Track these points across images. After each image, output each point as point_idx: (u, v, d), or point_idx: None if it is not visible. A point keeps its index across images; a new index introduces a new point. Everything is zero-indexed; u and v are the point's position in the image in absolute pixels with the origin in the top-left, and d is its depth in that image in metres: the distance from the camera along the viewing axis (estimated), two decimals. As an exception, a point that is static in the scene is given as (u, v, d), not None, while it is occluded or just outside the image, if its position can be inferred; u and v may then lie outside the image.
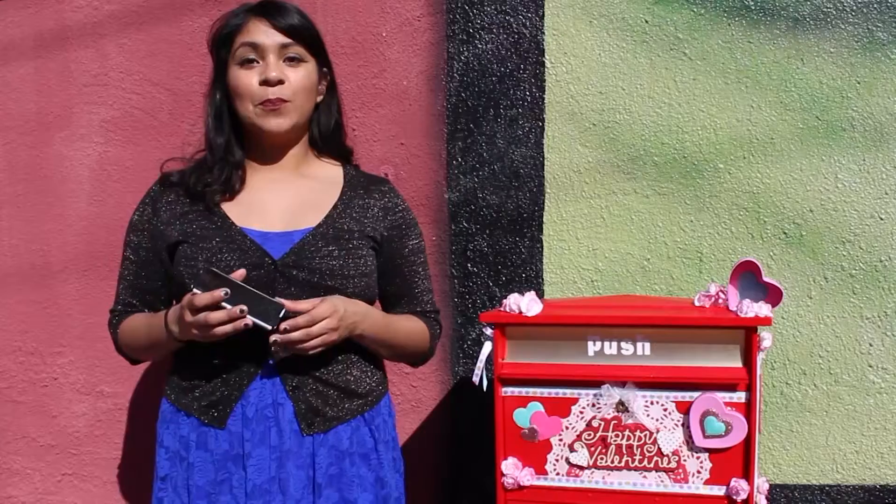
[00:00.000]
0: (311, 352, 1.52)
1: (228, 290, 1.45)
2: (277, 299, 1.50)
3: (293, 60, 1.61)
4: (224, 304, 1.46)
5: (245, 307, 1.45)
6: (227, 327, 1.46)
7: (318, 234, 1.62)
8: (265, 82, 1.58)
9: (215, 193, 1.63)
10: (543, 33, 2.22)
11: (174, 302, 1.70)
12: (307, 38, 1.63)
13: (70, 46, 2.34)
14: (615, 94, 2.21)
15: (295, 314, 1.49)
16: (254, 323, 1.46)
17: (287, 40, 1.60)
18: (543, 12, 2.21)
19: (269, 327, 1.47)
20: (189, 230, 1.62)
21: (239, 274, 1.49)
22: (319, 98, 1.70)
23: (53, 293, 2.41)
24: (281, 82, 1.59)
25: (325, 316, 1.50)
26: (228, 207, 1.64)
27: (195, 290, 1.47)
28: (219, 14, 2.23)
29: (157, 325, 1.60)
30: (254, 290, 1.47)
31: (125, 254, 1.71)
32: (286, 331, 1.48)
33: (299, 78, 1.62)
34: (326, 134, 1.72)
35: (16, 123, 2.38)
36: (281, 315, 1.47)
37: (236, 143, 1.66)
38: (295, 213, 1.65)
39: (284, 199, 1.66)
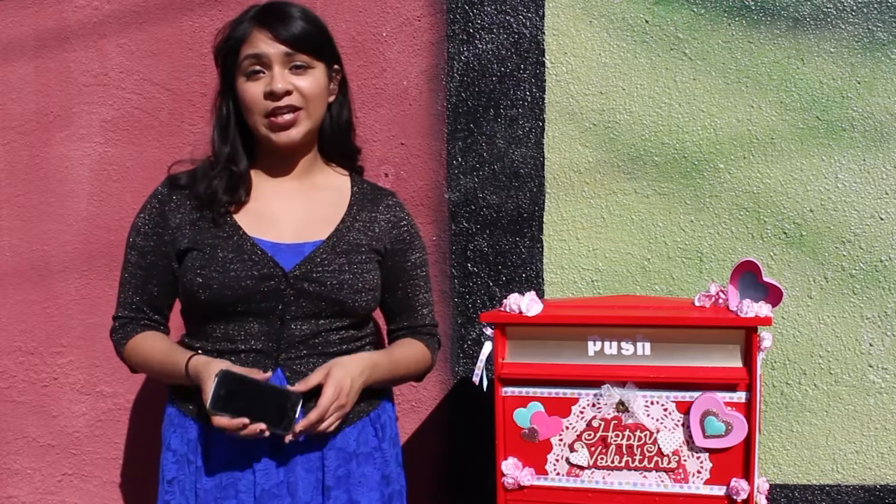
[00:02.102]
0: (328, 428, 1.55)
1: (247, 421, 1.46)
2: (290, 388, 1.51)
3: (299, 68, 1.59)
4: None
5: (263, 426, 1.46)
6: (247, 432, 1.48)
7: (329, 248, 1.62)
8: (270, 94, 1.57)
9: (221, 205, 1.61)
10: (543, 33, 2.22)
11: (181, 305, 1.71)
12: (311, 45, 1.60)
13: (70, 46, 2.34)
14: (615, 94, 2.21)
15: (299, 396, 1.51)
16: (271, 432, 1.48)
17: (290, 50, 1.58)
18: (543, 12, 2.21)
19: (286, 434, 1.49)
20: (199, 238, 1.60)
21: (262, 376, 1.51)
22: (332, 98, 1.69)
23: (53, 293, 2.41)
24: (288, 93, 1.58)
25: (333, 401, 1.52)
26: (239, 216, 1.63)
27: (212, 410, 1.46)
28: (219, 14, 2.26)
29: (176, 369, 1.58)
30: (271, 387, 1.50)
31: (129, 258, 1.67)
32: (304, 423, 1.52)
33: (307, 85, 1.60)
34: (337, 132, 1.71)
35: (16, 123, 2.38)
36: (299, 407, 1.49)
37: (243, 151, 1.65)
38: (305, 224, 1.64)
39: (294, 210, 1.66)
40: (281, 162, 1.67)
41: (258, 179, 1.68)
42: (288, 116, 1.59)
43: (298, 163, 1.68)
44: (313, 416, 1.50)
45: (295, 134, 1.61)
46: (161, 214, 1.64)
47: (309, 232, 1.64)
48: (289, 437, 1.50)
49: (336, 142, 1.72)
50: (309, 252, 1.61)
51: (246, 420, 1.45)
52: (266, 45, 1.57)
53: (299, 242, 1.62)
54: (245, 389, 1.47)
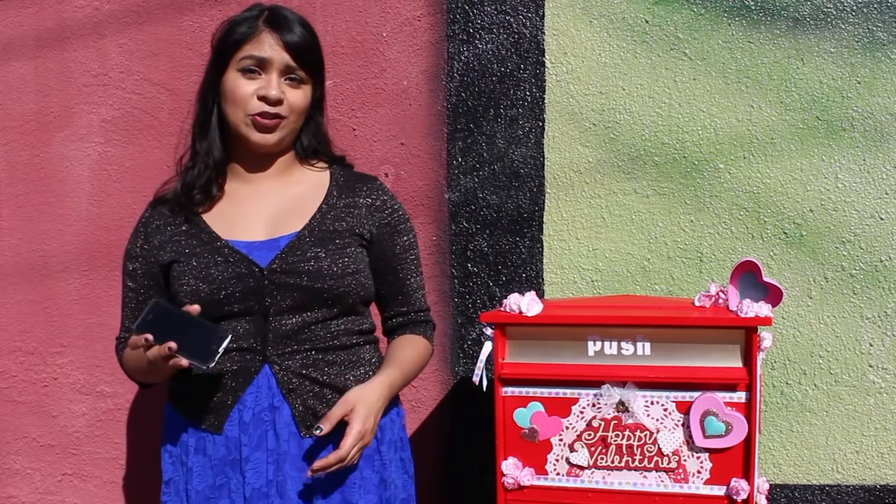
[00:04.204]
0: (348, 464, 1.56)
1: (150, 337, 1.45)
2: (220, 326, 1.51)
3: (294, 81, 1.61)
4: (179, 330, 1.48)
5: (173, 345, 1.45)
6: (170, 363, 1.46)
7: (303, 238, 1.62)
8: (264, 98, 1.58)
9: (197, 205, 1.64)
10: (543, 33, 2.22)
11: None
12: (312, 62, 1.63)
13: (70, 46, 2.34)
14: (615, 94, 2.21)
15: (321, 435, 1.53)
16: (189, 362, 1.47)
17: (293, 63, 1.60)
18: (543, 12, 2.21)
19: (204, 367, 1.48)
20: (178, 249, 1.63)
21: (192, 308, 1.50)
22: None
23: (53, 293, 2.41)
24: (280, 102, 1.59)
25: (356, 444, 1.53)
26: (213, 222, 1.64)
27: (136, 331, 1.48)
28: (219, 14, 2.26)
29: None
30: (198, 321, 1.49)
31: (125, 281, 1.71)
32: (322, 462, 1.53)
33: (298, 99, 1.62)
34: (310, 150, 1.72)
35: (16, 123, 2.38)
36: (222, 347, 1.47)
37: (220, 143, 1.66)
38: (279, 219, 1.65)
39: (268, 207, 1.66)
40: (256, 159, 1.67)
41: (233, 181, 1.69)
42: (269, 122, 1.60)
43: (274, 163, 1.69)
44: (333, 458, 1.51)
45: (272, 138, 1.62)
46: (145, 237, 1.68)
47: (283, 226, 1.64)
48: (309, 474, 1.52)
49: (314, 152, 1.73)
50: (284, 245, 1.61)
51: (173, 345, 1.44)
52: (272, 49, 1.59)
53: (274, 238, 1.63)
54: (173, 319, 1.48)
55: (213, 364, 1.47)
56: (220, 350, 1.47)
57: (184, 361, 1.46)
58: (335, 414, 1.53)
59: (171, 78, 2.33)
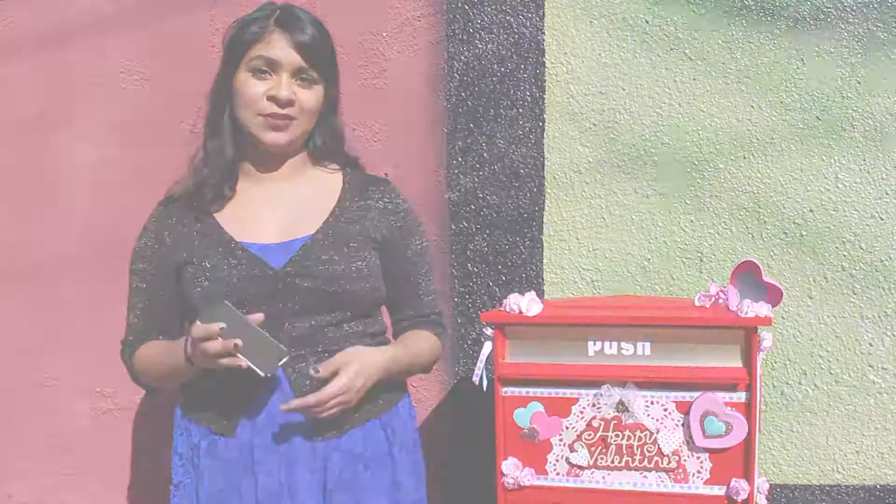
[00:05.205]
0: (324, 415, 1.53)
1: (224, 325, 1.44)
2: (281, 345, 1.50)
3: (305, 81, 1.60)
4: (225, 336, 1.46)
5: (239, 342, 1.44)
6: (226, 361, 1.45)
7: (318, 241, 1.61)
8: (274, 99, 1.57)
9: (210, 204, 1.63)
10: (543, 33, 2.22)
11: (187, 323, 1.69)
12: (323, 62, 1.62)
13: (70, 46, 2.34)
14: (615, 94, 2.21)
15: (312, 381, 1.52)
16: (248, 365, 1.46)
17: (304, 63, 1.58)
18: (543, 12, 2.21)
19: (263, 374, 1.47)
20: (192, 250, 1.61)
21: (256, 317, 1.49)
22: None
23: (53, 293, 2.41)
24: (290, 103, 1.58)
25: (337, 395, 1.51)
26: (226, 223, 1.63)
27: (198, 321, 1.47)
28: (219, 14, 2.26)
29: (177, 350, 1.56)
30: (261, 332, 1.47)
31: (133, 283, 1.68)
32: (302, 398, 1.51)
33: (309, 100, 1.61)
34: (323, 149, 1.71)
35: (16, 123, 2.38)
36: (282, 362, 1.47)
37: (232, 143, 1.65)
38: (293, 221, 1.64)
39: (282, 209, 1.65)
40: (268, 160, 1.67)
41: (245, 181, 1.67)
42: (281, 122, 1.59)
43: (286, 163, 1.68)
44: (311, 399, 1.49)
45: (283, 137, 1.61)
46: (158, 236, 1.66)
47: (298, 228, 1.63)
48: (283, 407, 1.50)
49: (324, 155, 1.72)
50: (298, 248, 1.61)
51: (238, 342, 1.43)
52: (283, 50, 1.57)
53: (289, 240, 1.62)
54: (238, 323, 1.46)
55: (270, 374, 1.48)
56: (280, 364, 1.48)
57: (244, 363, 1.45)
58: (333, 362, 1.52)
59: (171, 78, 2.33)
